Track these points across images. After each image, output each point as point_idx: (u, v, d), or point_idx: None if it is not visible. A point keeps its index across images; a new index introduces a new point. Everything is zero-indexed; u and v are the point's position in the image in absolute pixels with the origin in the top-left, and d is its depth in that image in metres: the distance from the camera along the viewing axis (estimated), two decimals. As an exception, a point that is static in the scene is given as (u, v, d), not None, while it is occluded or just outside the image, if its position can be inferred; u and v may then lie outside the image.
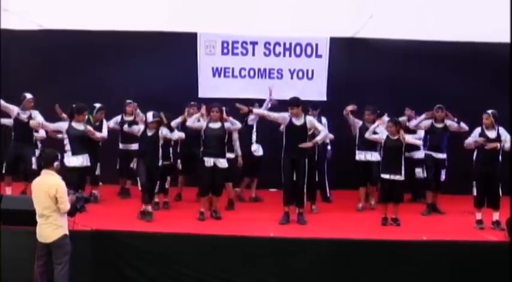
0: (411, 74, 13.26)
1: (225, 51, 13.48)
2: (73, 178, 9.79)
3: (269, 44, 13.46)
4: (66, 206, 7.90)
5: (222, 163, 10.26)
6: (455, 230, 9.93)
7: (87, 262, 8.83)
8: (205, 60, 13.46)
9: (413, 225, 10.28)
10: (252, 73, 13.58)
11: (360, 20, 13.10)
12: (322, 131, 10.04)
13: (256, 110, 10.52)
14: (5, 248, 8.67)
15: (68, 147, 10.18)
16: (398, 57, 13.24)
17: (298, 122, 9.99)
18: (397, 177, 10.19)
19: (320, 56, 13.43)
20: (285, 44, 13.45)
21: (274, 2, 13.05)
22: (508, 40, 12.06)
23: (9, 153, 11.10)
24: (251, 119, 11.57)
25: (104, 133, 10.93)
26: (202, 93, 13.23)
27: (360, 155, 11.41)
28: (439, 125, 11.04)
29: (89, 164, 10.40)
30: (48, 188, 7.81)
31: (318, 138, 9.97)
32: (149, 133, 10.12)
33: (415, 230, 9.82)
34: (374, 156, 11.25)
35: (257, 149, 11.91)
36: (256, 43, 13.45)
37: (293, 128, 9.96)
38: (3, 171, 11.18)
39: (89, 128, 10.49)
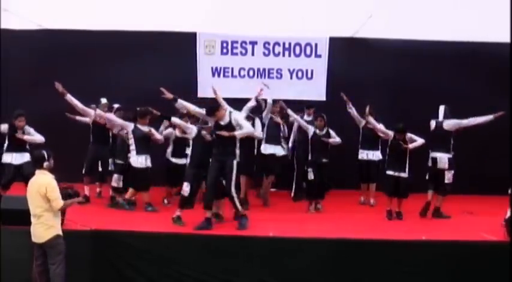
0: (410, 74, 13.31)
1: (225, 51, 13.51)
2: (137, 177, 10.49)
3: (268, 43, 13.50)
4: (58, 203, 7.94)
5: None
6: (455, 230, 9.91)
7: (87, 262, 8.81)
8: (205, 60, 13.50)
9: (412, 225, 10.27)
10: (251, 73, 13.61)
11: (359, 19, 13.12)
12: (245, 128, 9.57)
13: (180, 101, 9.94)
14: (5, 248, 8.68)
15: (132, 147, 10.73)
16: (398, 57, 13.25)
17: (223, 122, 9.54)
18: (402, 175, 10.46)
19: (319, 56, 13.47)
20: (284, 44, 13.49)
21: (274, 2, 13.11)
22: (507, 40, 12.10)
23: (89, 155, 11.54)
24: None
25: (160, 135, 11.25)
26: (202, 93, 13.17)
27: (362, 154, 11.62)
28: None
29: (150, 164, 10.83)
30: (38, 187, 7.91)
31: (238, 132, 9.39)
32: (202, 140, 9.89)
33: (415, 230, 9.81)
34: (375, 156, 11.52)
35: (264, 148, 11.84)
36: (256, 43, 13.50)
37: (219, 129, 9.52)
38: (83, 172, 11.60)
39: (152, 130, 10.91)
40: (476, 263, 8.84)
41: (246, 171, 10.89)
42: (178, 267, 8.93)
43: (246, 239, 9.01)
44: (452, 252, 8.88)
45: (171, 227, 9.62)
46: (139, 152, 10.72)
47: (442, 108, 10.64)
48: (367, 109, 11.14)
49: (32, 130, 10.61)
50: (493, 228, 9.62)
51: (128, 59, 13.32)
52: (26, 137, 10.44)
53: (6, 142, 10.59)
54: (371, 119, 11.01)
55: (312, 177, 10.84)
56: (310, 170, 10.90)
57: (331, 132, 10.84)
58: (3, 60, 12.82)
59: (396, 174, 10.46)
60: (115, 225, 9.38)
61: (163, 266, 8.94)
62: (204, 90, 13.21)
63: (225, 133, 9.32)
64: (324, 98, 13.41)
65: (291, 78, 13.56)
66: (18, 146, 10.49)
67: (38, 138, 10.52)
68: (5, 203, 8.93)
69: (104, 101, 11.81)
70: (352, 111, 11.59)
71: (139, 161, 10.76)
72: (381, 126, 10.92)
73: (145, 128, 10.82)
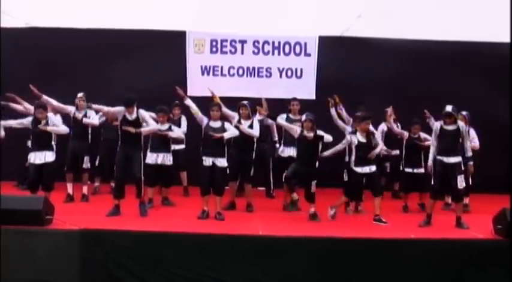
0: (400, 73, 13.25)
1: (214, 49, 13.48)
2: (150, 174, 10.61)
3: (258, 42, 13.47)
4: None
5: (221, 162, 10.21)
6: (445, 228, 9.89)
7: (76, 262, 8.74)
8: (194, 58, 13.47)
9: (401, 223, 10.28)
10: (240, 72, 13.59)
11: (348, 18, 13.11)
12: (152, 125, 10.22)
13: (188, 101, 10.59)
14: (4, 248, 8.61)
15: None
16: (387, 56, 13.20)
17: (130, 117, 10.10)
18: (420, 170, 11.16)
19: (309, 55, 13.48)
20: (273, 42, 13.48)
21: (263, 0, 13.10)
22: (505, 40, 12.24)
23: (68, 152, 11.46)
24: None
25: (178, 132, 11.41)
26: (191, 91, 13.01)
27: (358, 169, 10.62)
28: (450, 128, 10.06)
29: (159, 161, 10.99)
30: None
31: (144, 129, 10.16)
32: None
33: (403, 228, 9.83)
34: (371, 169, 10.54)
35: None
36: (245, 42, 13.46)
37: (126, 123, 10.14)
38: (65, 169, 11.51)
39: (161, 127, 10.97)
40: (465, 260, 8.84)
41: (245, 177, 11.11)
42: (169, 266, 8.86)
43: (236, 238, 8.97)
44: (441, 250, 8.89)
45: (160, 225, 9.56)
46: (152, 150, 11.00)
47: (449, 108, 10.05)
48: (390, 110, 11.14)
49: (57, 120, 10.43)
50: (483, 226, 9.63)
51: (117, 57, 13.21)
52: (49, 129, 10.16)
53: (30, 138, 10.43)
54: (392, 122, 11.17)
55: (347, 178, 10.74)
56: (345, 171, 10.82)
57: (321, 133, 10.44)
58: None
59: (415, 170, 11.15)
60: (104, 224, 9.30)
61: (154, 265, 8.86)
62: (193, 89, 13.18)
63: (131, 129, 9.94)
64: (313, 97, 13.39)
65: (281, 76, 13.58)
66: (41, 143, 10.20)
67: (62, 129, 10.35)
68: (5, 203, 8.81)
69: (80, 94, 11.56)
70: (342, 112, 11.55)
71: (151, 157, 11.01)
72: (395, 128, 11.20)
73: (164, 126, 11.10)
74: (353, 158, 10.30)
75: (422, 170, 11.05)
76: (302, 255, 8.85)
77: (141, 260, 8.84)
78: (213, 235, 9.02)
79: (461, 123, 10.01)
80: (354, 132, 10.45)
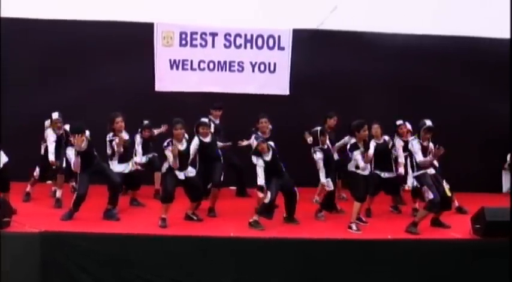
0: (377, 67, 12.94)
1: (183, 42, 13.02)
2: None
3: (229, 35, 13.05)
4: None
5: (191, 172, 10.05)
6: (423, 228, 9.73)
7: (37, 265, 8.57)
8: (163, 51, 12.98)
9: (378, 224, 10.21)
10: (211, 66, 13.15)
11: (323, 11, 12.92)
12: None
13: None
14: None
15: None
16: (363, 49, 12.95)
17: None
18: (389, 175, 10.71)
19: (283, 49, 13.11)
20: (246, 35, 13.07)
21: (235, -9, 12.81)
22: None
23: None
24: None
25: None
26: (159, 86, 12.84)
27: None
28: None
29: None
30: None
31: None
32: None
33: (380, 229, 9.77)
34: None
35: None
36: (216, 34, 13.03)
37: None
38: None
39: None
40: (442, 260, 8.89)
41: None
42: (134, 269, 8.72)
43: (205, 240, 8.86)
44: (418, 251, 8.93)
45: (126, 227, 9.34)
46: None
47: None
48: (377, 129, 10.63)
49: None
50: (462, 225, 9.64)
51: (81, 51, 12.72)
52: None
53: None
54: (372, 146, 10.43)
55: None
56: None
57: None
58: None
59: (385, 175, 10.65)
60: (66, 227, 9.16)
61: (118, 268, 8.74)
62: (161, 84, 12.92)
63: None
64: (287, 92, 13.09)
65: (253, 71, 13.15)
66: None
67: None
68: None
69: (55, 116, 10.97)
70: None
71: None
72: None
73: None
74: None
75: (391, 174, 10.63)
76: (275, 257, 8.76)
77: (104, 262, 8.72)
78: (180, 237, 8.88)
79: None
80: (356, 147, 10.03)
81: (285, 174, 9.93)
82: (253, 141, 10.27)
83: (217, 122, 11.52)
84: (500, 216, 9.12)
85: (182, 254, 8.71)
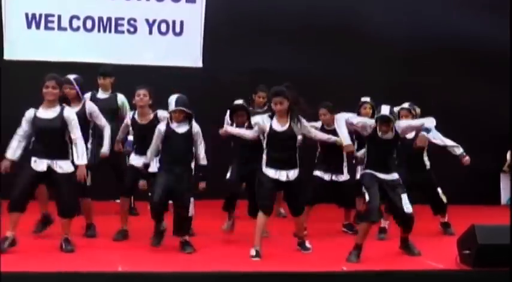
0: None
1: (48, -12, 11.13)
2: None
3: (117, -21, 11.29)
4: None
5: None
6: (392, 255, 8.21)
7: None
8: (16, 2, 10.72)
9: (330, 252, 8.44)
10: (89, 24, 10.84)
11: None
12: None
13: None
14: None
15: None
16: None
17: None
18: (338, 178, 9.66)
19: (193, 1, 11.08)
20: (140, -20, 11.34)
21: None
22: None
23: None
24: None
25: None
26: (10, 53, 10.55)
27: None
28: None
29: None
30: None
31: None
32: None
33: (333, 258, 8.06)
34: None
35: None
36: (98, -23, 11.22)
37: None
38: None
39: None
40: None
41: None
42: None
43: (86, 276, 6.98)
44: None
45: None
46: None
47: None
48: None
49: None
50: (447, 250, 8.15)
51: None
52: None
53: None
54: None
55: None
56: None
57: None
58: None
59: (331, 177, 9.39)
60: None
61: None
62: (13, 50, 10.61)
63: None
64: (200, 64, 11.09)
65: (150, 32, 11.01)
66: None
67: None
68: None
69: None
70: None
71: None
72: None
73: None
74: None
75: (341, 178, 9.30)
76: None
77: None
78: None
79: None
80: None
81: None
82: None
83: None
84: (496, 237, 7.65)
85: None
